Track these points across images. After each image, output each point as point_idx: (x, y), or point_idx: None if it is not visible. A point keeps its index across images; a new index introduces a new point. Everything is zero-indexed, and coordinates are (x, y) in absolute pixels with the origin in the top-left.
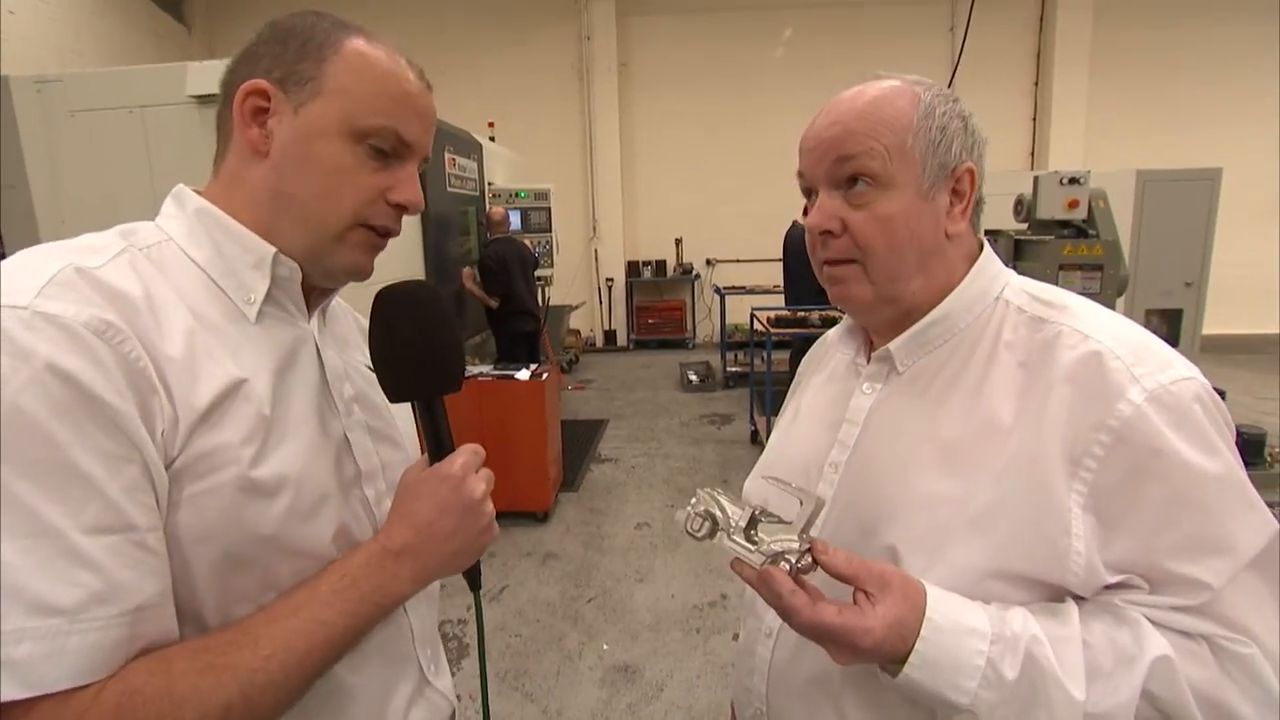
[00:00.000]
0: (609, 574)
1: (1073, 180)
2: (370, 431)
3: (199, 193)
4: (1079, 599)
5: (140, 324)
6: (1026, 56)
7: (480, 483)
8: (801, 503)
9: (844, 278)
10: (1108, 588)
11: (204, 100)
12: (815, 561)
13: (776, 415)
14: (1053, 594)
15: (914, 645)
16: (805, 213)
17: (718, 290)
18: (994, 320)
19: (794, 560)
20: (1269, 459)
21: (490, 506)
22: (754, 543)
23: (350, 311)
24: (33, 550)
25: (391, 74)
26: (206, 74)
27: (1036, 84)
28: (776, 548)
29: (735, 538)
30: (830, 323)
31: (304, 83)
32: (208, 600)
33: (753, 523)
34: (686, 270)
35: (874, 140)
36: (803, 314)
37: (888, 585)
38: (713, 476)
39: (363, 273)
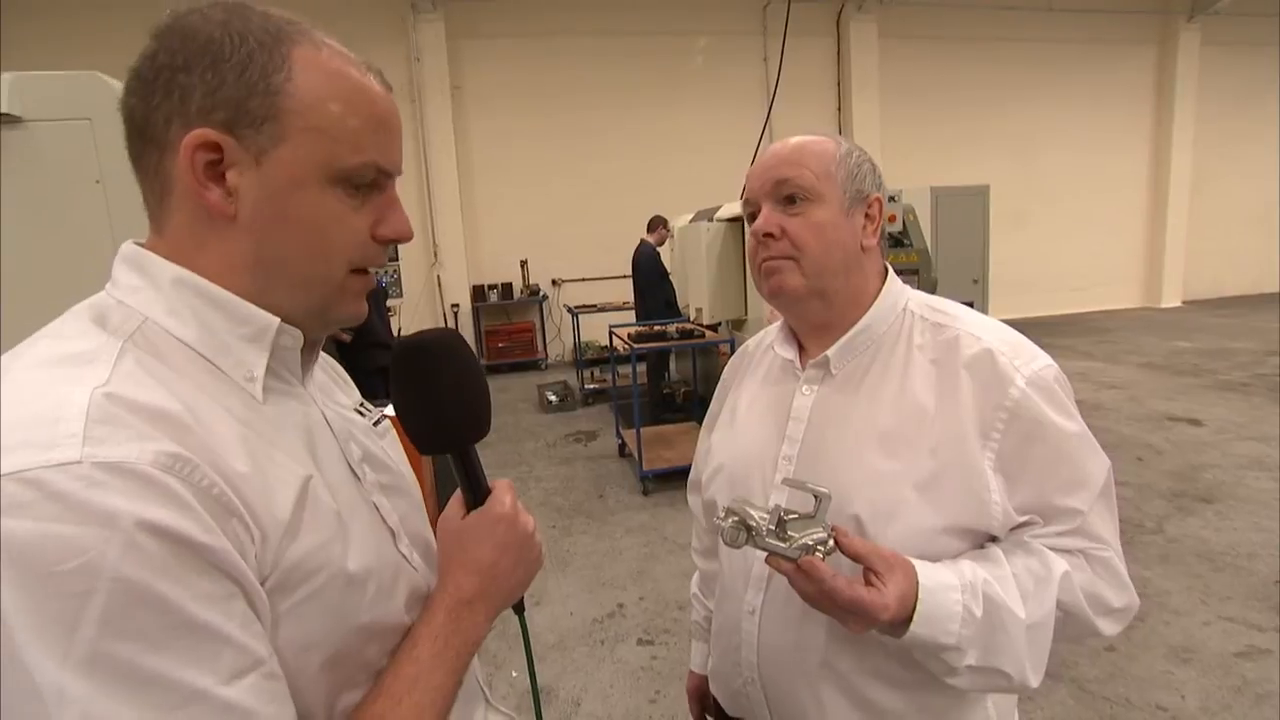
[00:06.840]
0: None
1: (890, 198)
2: (384, 489)
3: (151, 250)
4: (995, 540)
5: (197, 444)
6: (829, 85)
7: (529, 515)
8: (816, 498)
9: (780, 269)
10: (1015, 527)
11: None
12: (837, 545)
13: (658, 423)
14: (980, 539)
15: (914, 608)
16: (746, 229)
17: (570, 310)
18: (904, 328)
19: (824, 549)
20: None
21: (539, 535)
22: (785, 540)
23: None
24: None
25: (360, 93)
26: None
27: (839, 109)
28: (808, 541)
29: (769, 540)
30: (686, 335)
31: (259, 123)
32: (315, 703)
33: (781, 523)
34: (534, 291)
35: (805, 168)
36: (659, 328)
37: (892, 566)
38: (588, 493)
39: (360, 317)
